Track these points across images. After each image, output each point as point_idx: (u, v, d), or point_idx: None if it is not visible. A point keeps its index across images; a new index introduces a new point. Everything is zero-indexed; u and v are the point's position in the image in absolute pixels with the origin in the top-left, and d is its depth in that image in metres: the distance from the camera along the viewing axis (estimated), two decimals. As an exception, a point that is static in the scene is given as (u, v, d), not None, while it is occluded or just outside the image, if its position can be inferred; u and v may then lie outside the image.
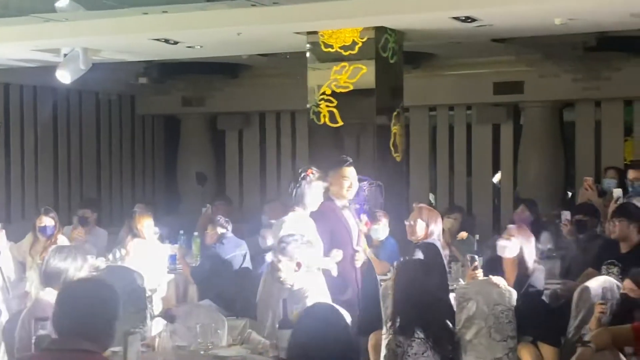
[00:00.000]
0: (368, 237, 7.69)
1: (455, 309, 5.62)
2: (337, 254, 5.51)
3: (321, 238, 5.46)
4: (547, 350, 5.79)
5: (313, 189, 5.51)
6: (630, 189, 7.11)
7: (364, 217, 6.06)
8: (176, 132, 14.08)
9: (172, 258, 7.70)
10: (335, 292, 5.25)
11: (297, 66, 8.76)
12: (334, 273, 5.45)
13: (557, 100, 11.75)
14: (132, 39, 8.70)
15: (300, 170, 5.60)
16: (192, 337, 4.94)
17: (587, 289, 5.68)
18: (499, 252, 6.01)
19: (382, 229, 7.48)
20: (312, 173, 5.52)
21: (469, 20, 7.60)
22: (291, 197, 5.57)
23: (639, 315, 4.75)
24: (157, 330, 4.92)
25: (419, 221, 6.29)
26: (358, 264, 5.75)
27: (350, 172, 5.77)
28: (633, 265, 5.49)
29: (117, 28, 8.40)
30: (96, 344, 3.10)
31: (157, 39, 8.56)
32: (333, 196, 5.72)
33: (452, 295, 5.71)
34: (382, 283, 6.24)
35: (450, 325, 4.09)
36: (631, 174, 7.19)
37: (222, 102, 13.02)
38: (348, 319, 4.60)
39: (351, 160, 5.86)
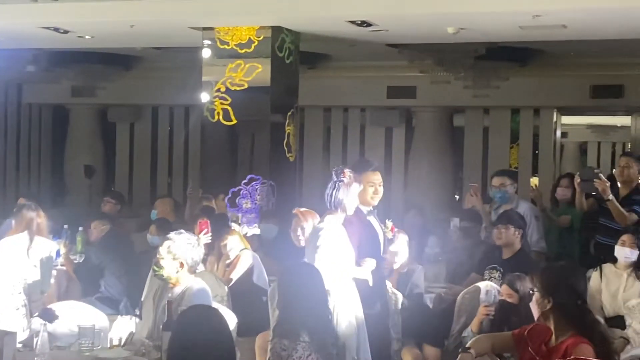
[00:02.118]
0: (259, 236, 7.69)
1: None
2: (371, 263, 5.15)
3: (343, 247, 5.08)
4: (430, 351, 5.90)
5: (352, 191, 5.13)
6: (497, 196, 7.19)
7: (389, 223, 5.59)
8: (64, 123, 13.69)
9: (56, 254, 7.45)
10: (364, 305, 4.96)
11: (192, 61, 8.66)
12: (371, 283, 5.11)
13: (447, 106, 12.04)
14: (21, 26, 8.41)
15: (335, 172, 5.21)
16: (73, 337, 4.80)
17: (469, 293, 5.81)
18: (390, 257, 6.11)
19: (273, 228, 7.48)
20: (349, 175, 5.13)
21: (365, 25, 7.68)
22: (328, 201, 5.13)
23: (516, 320, 4.88)
24: (36, 330, 4.74)
25: (299, 228, 6.29)
26: (386, 273, 5.48)
27: (376, 177, 5.42)
28: (514, 270, 5.64)
29: (5, 15, 8.11)
30: None
31: (47, 27, 8.31)
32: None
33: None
34: (271, 284, 6.24)
35: (336, 328, 4.10)
36: (496, 181, 7.24)
37: (113, 94, 12.74)
38: (231, 321, 4.57)
39: (377, 165, 5.55)
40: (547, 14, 7.10)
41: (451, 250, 7.58)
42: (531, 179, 7.71)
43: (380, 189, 5.41)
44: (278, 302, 3.94)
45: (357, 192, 5.16)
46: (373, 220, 5.40)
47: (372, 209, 5.40)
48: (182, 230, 4.99)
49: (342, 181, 5.11)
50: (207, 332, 3.13)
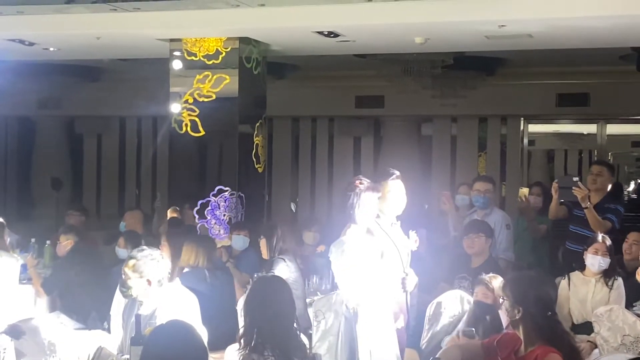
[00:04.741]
0: (229, 248, 7.65)
1: (312, 323, 5.65)
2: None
3: (369, 260, 4.85)
4: (408, 353, 5.89)
5: (362, 201, 4.84)
6: (481, 201, 7.15)
7: (413, 235, 5.23)
8: (31, 135, 13.56)
9: (23, 268, 7.37)
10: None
11: (160, 72, 8.62)
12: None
13: (415, 115, 12.10)
14: (-15, 37, 8.33)
15: (350, 182, 4.95)
16: (40, 353, 4.74)
17: (439, 304, 5.82)
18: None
19: (242, 240, 7.45)
20: (361, 183, 4.87)
21: (332, 35, 7.69)
22: (346, 212, 4.86)
23: (492, 318, 4.88)
24: (2, 346, 4.67)
25: (264, 240, 6.29)
26: (409, 288, 5.19)
27: (397, 186, 5.18)
28: (483, 279, 5.65)
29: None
30: None
31: (12, 40, 8.23)
32: (379, 212, 5.06)
33: (309, 309, 5.74)
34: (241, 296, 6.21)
35: (305, 340, 4.08)
36: (480, 186, 7.18)
37: (80, 105, 12.65)
38: (204, 338, 4.53)
39: (398, 174, 5.25)
40: (512, 23, 7.16)
41: (420, 259, 7.58)
42: (520, 190, 7.68)
43: (404, 199, 5.20)
44: (245, 315, 3.91)
45: (372, 201, 4.89)
46: (396, 231, 5.15)
47: (396, 219, 5.18)
48: (144, 247, 4.92)
49: (353, 190, 4.86)
50: (181, 347, 3.11)
